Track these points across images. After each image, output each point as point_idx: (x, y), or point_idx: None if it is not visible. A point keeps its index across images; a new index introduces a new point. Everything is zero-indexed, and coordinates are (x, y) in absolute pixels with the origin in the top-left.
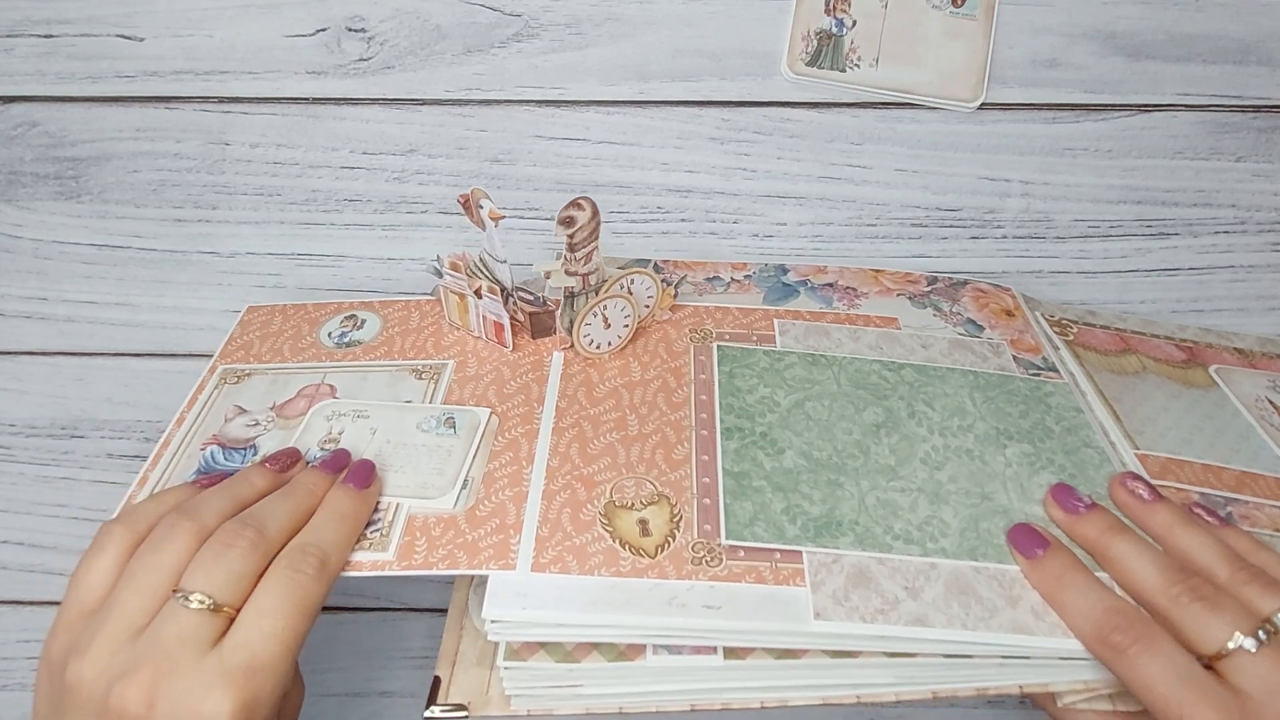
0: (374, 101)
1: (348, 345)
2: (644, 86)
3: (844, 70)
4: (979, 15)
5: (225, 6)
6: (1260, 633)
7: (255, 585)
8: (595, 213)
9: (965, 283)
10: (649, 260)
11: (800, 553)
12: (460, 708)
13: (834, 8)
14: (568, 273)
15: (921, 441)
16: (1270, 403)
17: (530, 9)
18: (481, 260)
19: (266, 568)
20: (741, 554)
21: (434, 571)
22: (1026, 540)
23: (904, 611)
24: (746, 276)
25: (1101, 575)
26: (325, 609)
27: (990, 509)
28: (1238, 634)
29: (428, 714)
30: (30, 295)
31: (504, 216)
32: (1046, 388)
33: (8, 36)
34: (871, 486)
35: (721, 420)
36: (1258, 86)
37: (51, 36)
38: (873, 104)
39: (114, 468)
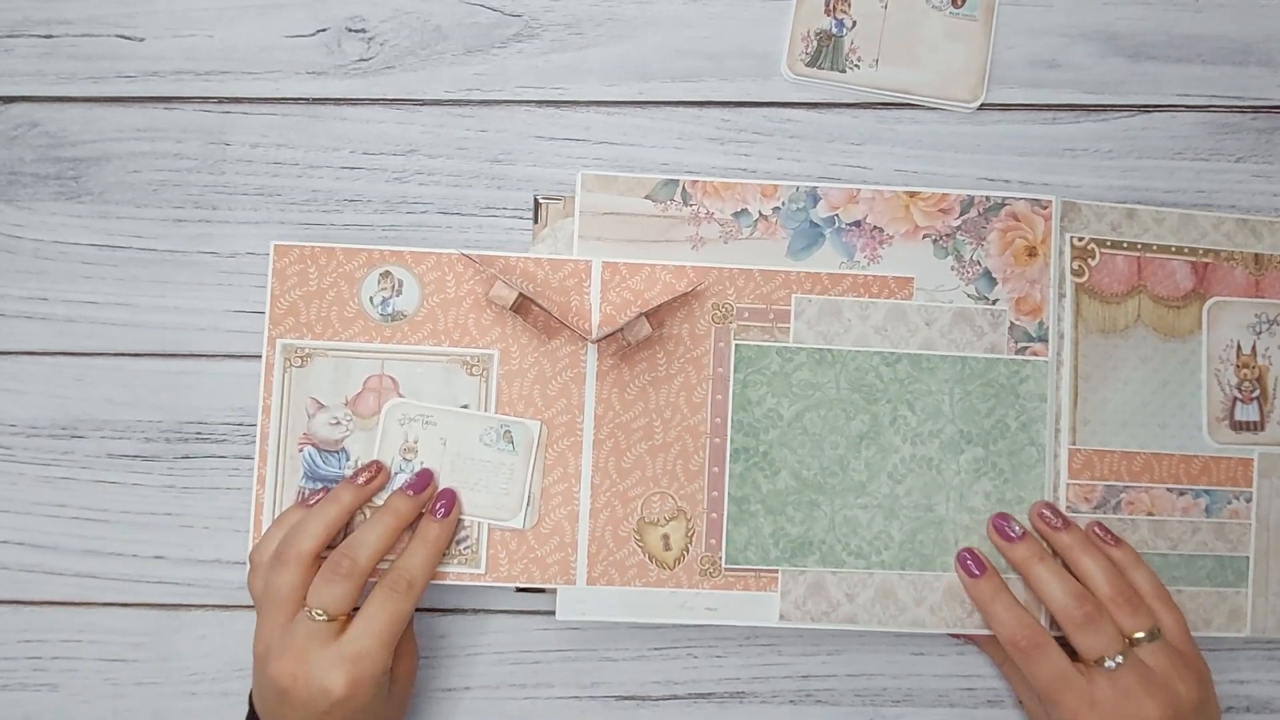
0: (374, 102)
1: (393, 319)
2: (644, 87)
3: (844, 71)
4: (979, 16)
5: (225, 7)
6: (1120, 656)
7: (354, 599)
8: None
9: (1003, 204)
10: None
11: (777, 571)
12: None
13: (834, 8)
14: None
15: (893, 453)
16: (1238, 348)
17: (530, 9)
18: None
19: (366, 582)
20: (735, 569)
21: (518, 581)
22: (971, 562)
23: (841, 613)
24: (775, 209)
25: (1025, 589)
26: None
27: (929, 520)
28: (1105, 656)
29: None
30: (30, 295)
31: None
32: (1025, 371)
33: (8, 37)
34: (842, 505)
35: (732, 440)
36: (1258, 87)
37: (52, 37)
38: (873, 104)
39: (114, 468)
